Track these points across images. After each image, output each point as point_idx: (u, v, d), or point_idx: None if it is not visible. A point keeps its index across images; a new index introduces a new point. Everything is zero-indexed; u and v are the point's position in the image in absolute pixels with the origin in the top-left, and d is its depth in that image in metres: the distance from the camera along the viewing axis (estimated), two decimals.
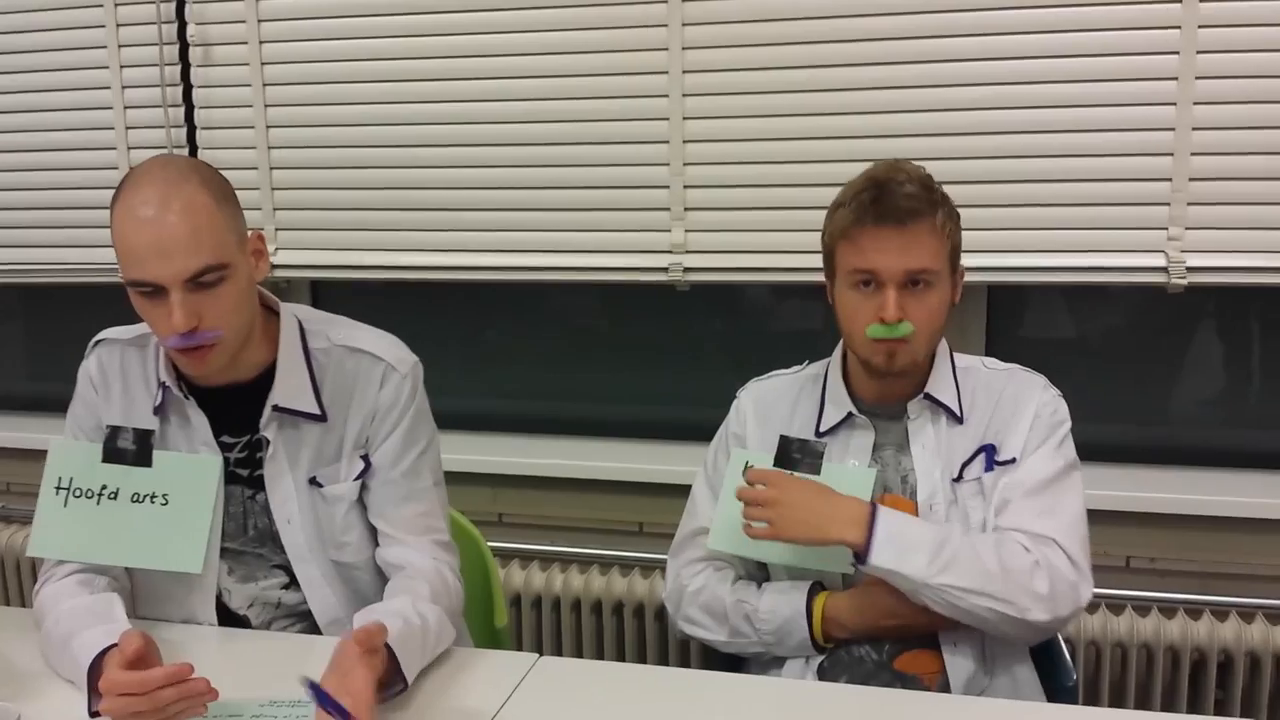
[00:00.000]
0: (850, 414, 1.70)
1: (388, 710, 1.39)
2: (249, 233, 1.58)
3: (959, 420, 1.67)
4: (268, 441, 1.62)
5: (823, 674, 1.65)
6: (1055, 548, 1.56)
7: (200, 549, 1.60)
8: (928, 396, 1.68)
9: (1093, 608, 2.24)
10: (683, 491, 2.34)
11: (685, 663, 2.39)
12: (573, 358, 2.72)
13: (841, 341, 1.74)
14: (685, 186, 2.34)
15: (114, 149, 2.62)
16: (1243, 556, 2.24)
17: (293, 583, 1.67)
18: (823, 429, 1.71)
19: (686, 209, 2.35)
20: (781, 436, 1.70)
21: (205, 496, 1.61)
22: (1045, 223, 2.19)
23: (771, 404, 1.77)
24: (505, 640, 1.95)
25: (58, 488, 1.62)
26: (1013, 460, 1.64)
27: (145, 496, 1.61)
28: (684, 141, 2.32)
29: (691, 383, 2.61)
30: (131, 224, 1.45)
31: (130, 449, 1.62)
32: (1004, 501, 1.62)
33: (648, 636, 2.42)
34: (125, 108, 2.61)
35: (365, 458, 1.66)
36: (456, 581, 1.66)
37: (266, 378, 1.62)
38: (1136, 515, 2.25)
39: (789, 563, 1.67)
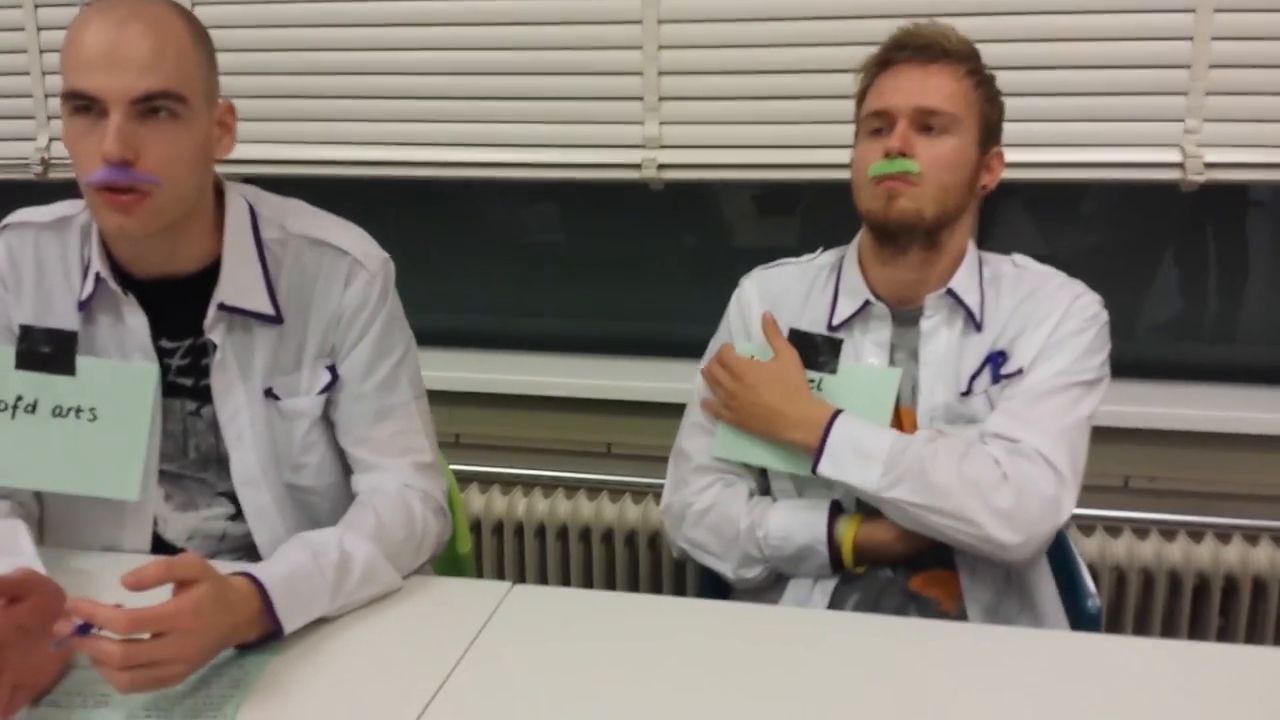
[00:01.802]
0: (867, 302, 1.54)
1: (347, 645, 1.24)
2: (220, 100, 1.37)
3: (977, 327, 1.51)
4: (214, 346, 1.41)
5: (832, 596, 1.51)
6: (1038, 459, 1.41)
7: (137, 472, 1.39)
8: (950, 293, 1.51)
9: (1089, 530, 2.14)
10: (653, 410, 2.27)
11: (659, 591, 2.25)
12: (533, 267, 2.57)
13: (860, 230, 1.58)
14: (660, 73, 2.15)
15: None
16: (1246, 476, 2.15)
17: (239, 513, 1.47)
18: (836, 321, 1.55)
19: (661, 99, 2.16)
20: (792, 331, 1.55)
21: (140, 410, 1.39)
22: (1051, 114, 2.03)
23: (779, 294, 1.61)
24: (468, 568, 1.79)
25: None
26: (1018, 372, 1.48)
27: (69, 410, 1.39)
28: (659, 21, 2.13)
29: (664, 295, 2.48)
30: (89, 25, 1.26)
31: (49, 353, 1.39)
32: (999, 408, 1.48)
33: (617, 564, 2.29)
34: (36, 5, 2.36)
35: (332, 369, 1.45)
36: (428, 512, 1.45)
37: (211, 272, 1.40)
38: (1134, 432, 2.14)
39: (798, 472, 1.52)
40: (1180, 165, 2.01)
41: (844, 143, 2.02)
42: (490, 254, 2.56)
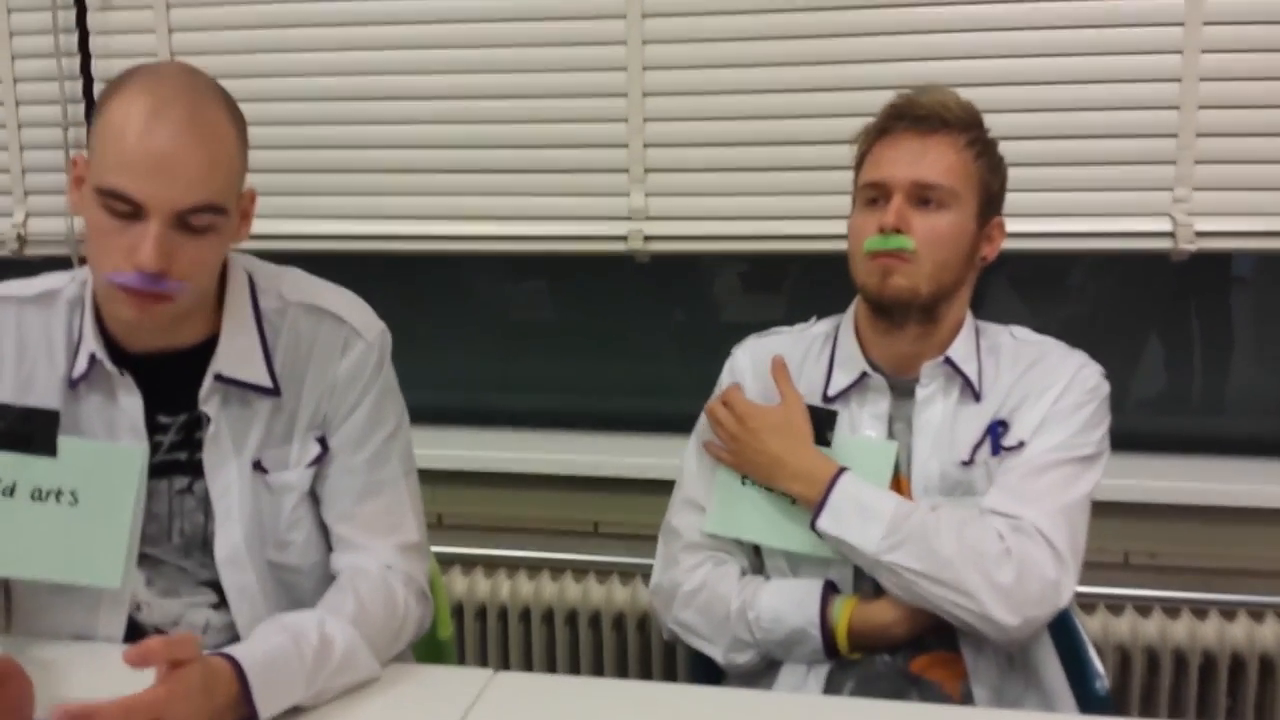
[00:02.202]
0: (864, 374, 1.50)
1: None
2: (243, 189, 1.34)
3: (975, 397, 1.47)
4: (208, 419, 1.35)
5: (826, 680, 1.44)
6: (1039, 539, 1.37)
7: (120, 558, 1.32)
8: (948, 362, 1.47)
9: (1090, 607, 2.08)
10: (641, 487, 2.20)
11: (648, 677, 2.17)
12: (518, 342, 2.52)
13: (855, 298, 1.55)
14: (645, 145, 2.13)
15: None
16: (1249, 550, 2.09)
17: (223, 602, 1.39)
18: (832, 392, 1.51)
19: (647, 170, 2.14)
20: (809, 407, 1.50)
21: (125, 493, 1.33)
22: (1039, 184, 2.01)
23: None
24: (450, 655, 1.72)
25: None
26: (1020, 445, 1.44)
27: (49, 493, 1.32)
28: (644, 95, 2.11)
29: (651, 370, 2.44)
30: (139, 125, 1.20)
31: (29, 433, 1.33)
32: (996, 483, 1.43)
33: (605, 648, 2.21)
34: (13, 57, 2.34)
35: (322, 440, 1.40)
36: (410, 596, 1.38)
37: (211, 344, 1.35)
38: (1132, 506, 2.09)
39: (792, 549, 1.48)
40: (1171, 235, 1.99)
41: (834, 214, 2.02)
42: (474, 329, 2.52)
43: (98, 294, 1.32)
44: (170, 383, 1.35)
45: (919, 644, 1.43)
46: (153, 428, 1.35)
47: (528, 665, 2.24)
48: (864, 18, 2.03)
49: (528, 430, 2.39)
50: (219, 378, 1.34)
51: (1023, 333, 1.54)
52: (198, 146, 1.22)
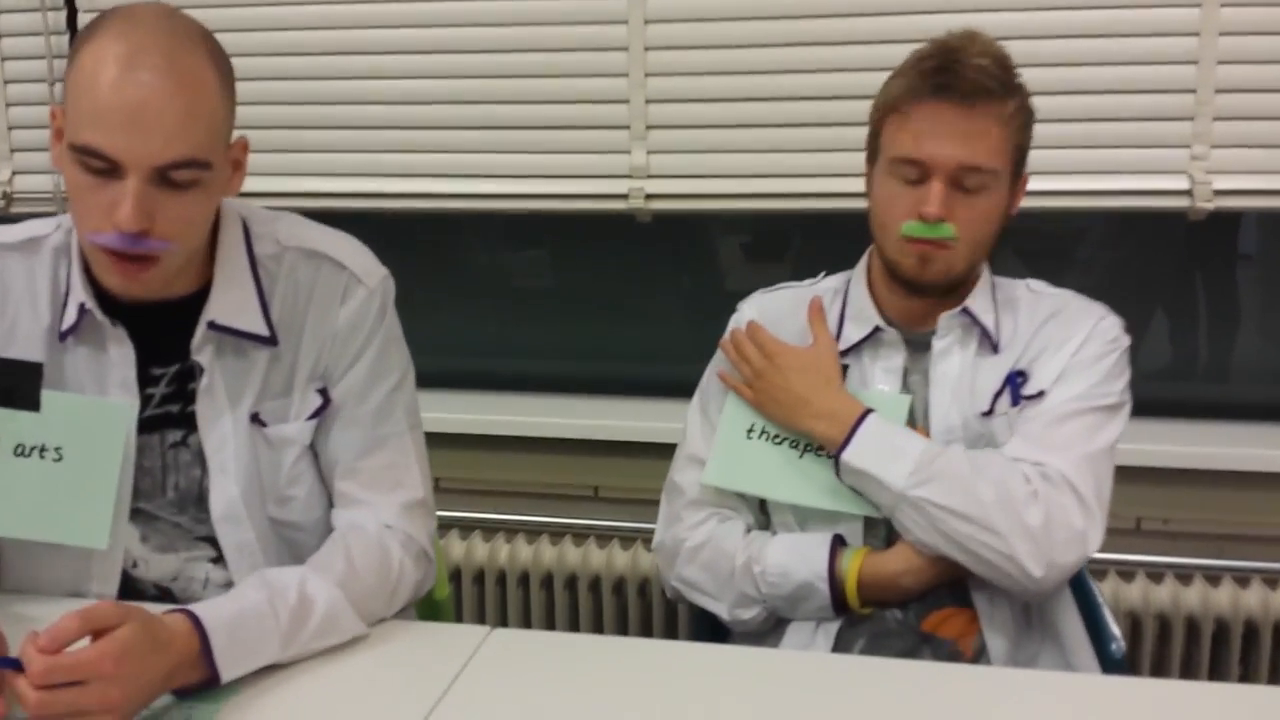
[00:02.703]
0: (877, 329, 1.46)
1: (310, 691, 1.14)
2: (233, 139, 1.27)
3: (993, 348, 1.43)
4: (202, 370, 1.29)
5: (836, 639, 1.40)
6: (1065, 486, 1.33)
7: (106, 518, 1.26)
8: (965, 312, 1.43)
9: (1101, 574, 2.04)
10: (642, 451, 2.16)
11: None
12: (516, 305, 2.48)
13: (867, 251, 1.51)
14: (647, 101, 2.08)
15: None
16: (1264, 516, 2.05)
17: (221, 557, 1.34)
18: (842, 347, 1.47)
19: (649, 127, 2.09)
20: None
21: (111, 450, 1.27)
22: (1053, 140, 1.94)
23: (780, 318, 1.52)
24: (447, 616, 1.68)
25: None
26: (1040, 394, 1.41)
27: (33, 449, 1.26)
28: (645, 49, 2.06)
29: (653, 333, 2.40)
30: (112, 74, 1.12)
31: (12, 387, 1.27)
32: (1018, 431, 1.40)
33: (605, 613, 2.17)
34: None
35: (323, 392, 1.34)
36: (406, 557, 1.32)
37: (205, 293, 1.30)
38: (1145, 471, 2.04)
39: (797, 501, 1.44)
40: (1189, 193, 1.94)
41: (843, 171, 1.97)
42: (472, 291, 2.48)
43: (84, 251, 1.27)
44: (162, 332, 1.29)
45: (931, 600, 1.39)
46: (144, 380, 1.30)
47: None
48: None
49: (527, 394, 2.34)
50: (212, 326, 1.29)
51: (1039, 285, 1.50)
52: (175, 96, 1.14)
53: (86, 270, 1.29)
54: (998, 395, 1.41)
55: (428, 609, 1.61)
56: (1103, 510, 1.36)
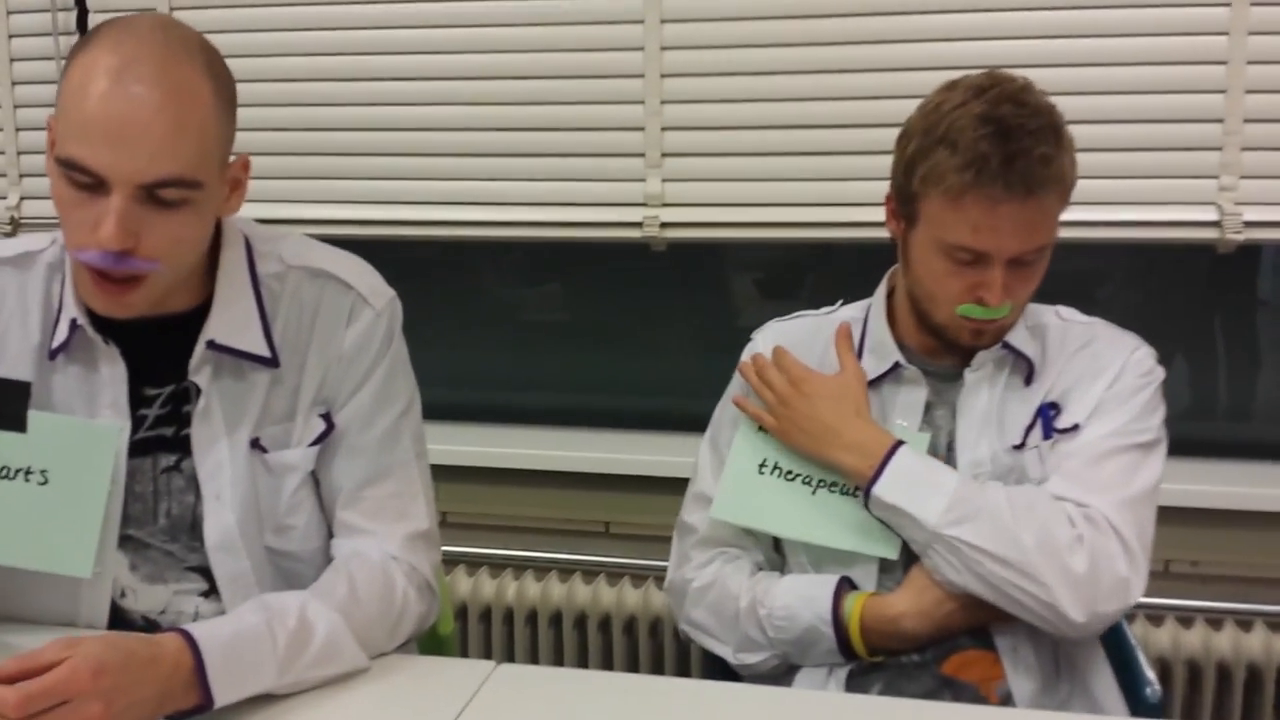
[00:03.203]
0: (897, 365, 1.41)
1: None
2: (233, 157, 1.22)
3: (1026, 380, 1.38)
4: (198, 392, 1.25)
5: (850, 683, 1.34)
6: (1107, 527, 1.27)
7: (91, 546, 1.21)
8: (1006, 346, 1.38)
9: (1130, 618, 1.94)
10: (655, 486, 2.11)
11: None
12: (527, 337, 2.45)
13: (885, 279, 1.46)
14: (663, 129, 2.05)
15: None
16: None
17: (213, 589, 1.29)
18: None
19: (664, 155, 2.06)
20: None
21: (99, 474, 1.22)
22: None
23: (795, 347, 1.47)
24: (451, 653, 1.62)
25: None
26: (1074, 427, 1.35)
27: (17, 472, 1.22)
28: (661, 76, 2.03)
29: (666, 365, 2.36)
30: (101, 87, 1.08)
31: None
32: (1056, 468, 1.34)
33: (615, 653, 2.12)
34: (10, 36, 2.27)
35: (326, 417, 1.29)
36: (410, 588, 1.27)
37: (203, 310, 1.25)
38: (1174, 511, 1.96)
39: (809, 540, 1.38)
40: (1217, 224, 1.90)
41: (862, 200, 1.93)
42: (482, 322, 2.45)
43: (75, 281, 1.22)
44: (158, 351, 1.25)
45: (950, 642, 1.32)
46: (137, 400, 1.25)
47: None
48: None
49: (538, 427, 2.30)
50: (211, 345, 1.24)
51: (1069, 313, 1.45)
52: (163, 109, 1.09)
53: (79, 286, 1.24)
54: (1029, 428, 1.36)
55: (432, 645, 1.55)
56: (1146, 556, 1.30)
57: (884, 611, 1.31)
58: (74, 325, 1.23)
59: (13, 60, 2.26)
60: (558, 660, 2.14)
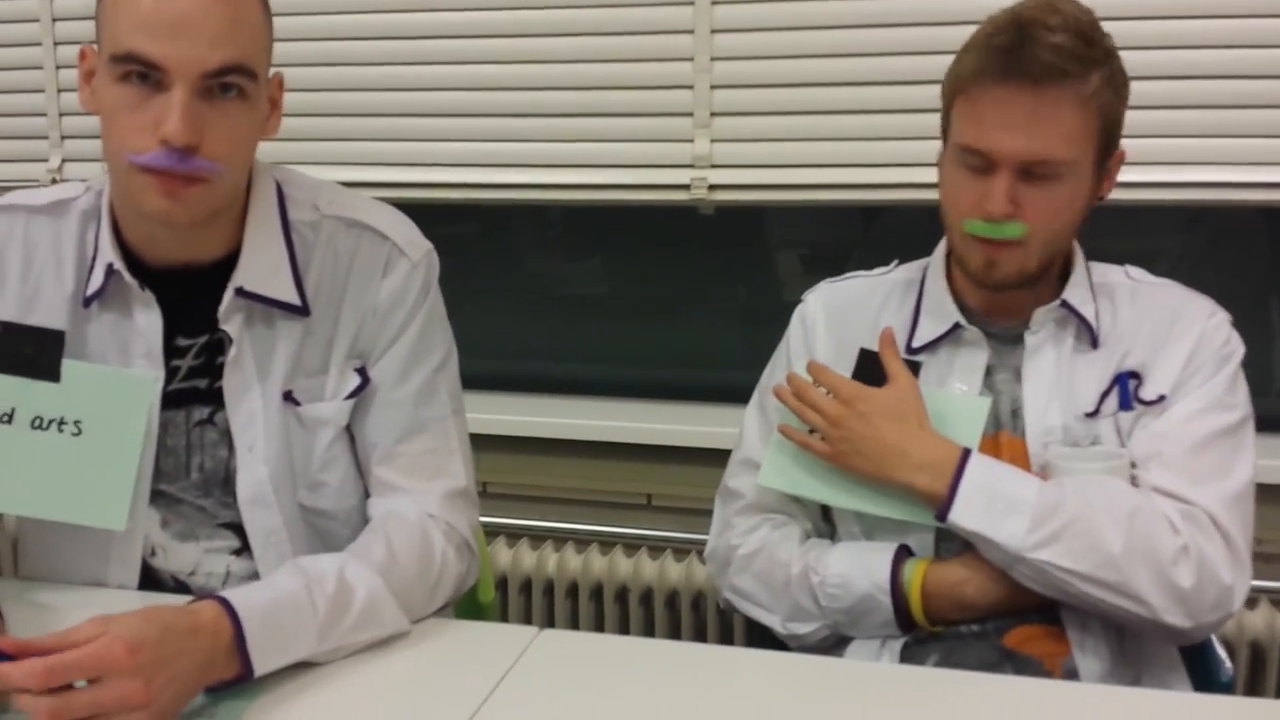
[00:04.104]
0: (957, 325, 1.34)
1: (348, 690, 1.06)
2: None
3: (1092, 343, 1.31)
4: (229, 340, 1.22)
5: (904, 654, 1.29)
6: (1212, 529, 1.20)
7: (125, 497, 1.20)
8: (1065, 305, 1.32)
9: None
10: (698, 457, 2.07)
11: None
12: (568, 305, 2.41)
13: (944, 239, 1.39)
14: (712, 87, 1.98)
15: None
16: None
17: (245, 548, 1.26)
18: (916, 344, 1.35)
19: (713, 114, 1.99)
20: (862, 350, 1.35)
21: (134, 424, 1.20)
22: (1159, 129, 1.83)
23: (848, 310, 1.42)
24: (491, 619, 1.60)
25: None
26: (1160, 399, 1.28)
27: (51, 422, 1.20)
28: (711, 31, 1.96)
29: (709, 334, 2.30)
30: None
31: (31, 355, 1.20)
32: (1153, 453, 1.26)
33: (657, 626, 2.08)
34: (54, 19, 2.26)
35: (362, 371, 1.26)
36: (449, 548, 1.24)
37: (234, 259, 1.23)
38: None
39: (862, 508, 1.32)
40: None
41: (918, 160, 1.86)
42: (522, 291, 2.41)
43: (118, 191, 1.20)
44: (190, 300, 1.22)
45: (1011, 614, 1.26)
46: (170, 351, 1.23)
47: None
48: None
49: (579, 397, 2.26)
50: (241, 292, 1.21)
51: (1139, 273, 1.38)
52: (218, 1, 1.10)
53: (116, 231, 1.22)
54: (1104, 396, 1.29)
55: (472, 613, 1.52)
56: (1249, 555, 1.23)
57: (947, 577, 1.26)
58: (110, 271, 1.20)
59: (55, 20, 2.24)
60: (598, 633, 2.10)
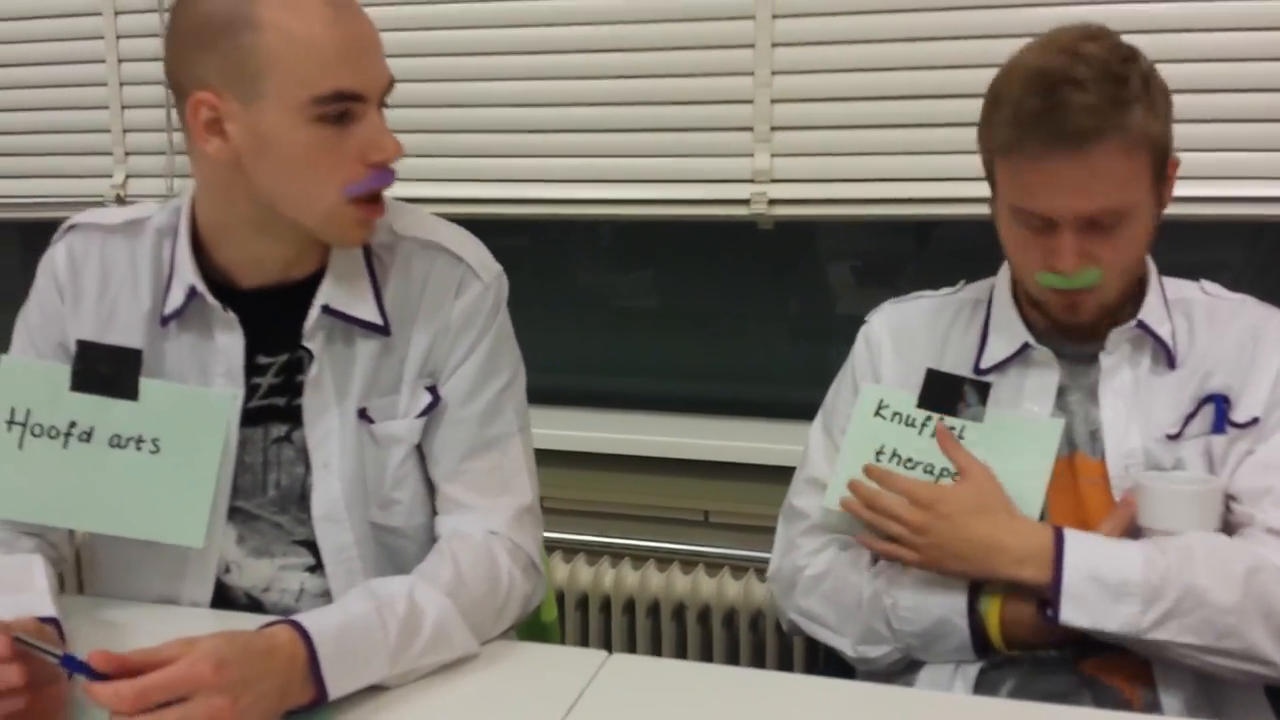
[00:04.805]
0: (1026, 345, 1.32)
1: (438, 710, 1.07)
2: None
3: (1170, 363, 1.28)
4: (310, 358, 1.23)
5: (979, 680, 1.26)
6: None
7: (203, 515, 1.21)
8: (1141, 325, 1.29)
9: None
10: (756, 474, 2.05)
11: None
12: (624, 319, 2.40)
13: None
14: (773, 101, 1.97)
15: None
16: None
17: (319, 565, 1.27)
18: (985, 364, 1.33)
19: (773, 129, 1.98)
20: (930, 371, 1.32)
21: (211, 443, 1.21)
22: (1206, 143, 1.80)
23: (914, 331, 1.40)
24: (553, 639, 1.59)
25: (9, 422, 1.20)
26: (1254, 421, 1.25)
27: (129, 440, 1.21)
28: (772, 45, 1.95)
29: (768, 349, 2.28)
30: (325, 14, 1.12)
31: (109, 374, 1.21)
32: (1264, 489, 1.22)
33: (715, 645, 2.05)
34: (116, 13, 2.27)
35: (432, 389, 1.27)
36: (515, 568, 1.24)
37: (315, 279, 1.24)
38: None
39: None
40: None
41: (976, 175, 1.81)
42: (578, 304, 2.40)
43: (313, 222, 1.19)
44: (272, 319, 1.23)
45: (1091, 641, 1.23)
46: (250, 369, 1.24)
47: None
48: None
49: (635, 412, 2.25)
50: (326, 310, 1.22)
51: (1214, 288, 1.35)
52: (367, 20, 1.17)
53: (197, 253, 1.23)
54: (1189, 418, 1.26)
55: (534, 632, 1.51)
56: None
57: (1029, 602, 1.23)
58: (192, 292, 1.21)
59: (119, 38, 2.26)
60: (655, 650, 2.08)
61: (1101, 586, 1.16)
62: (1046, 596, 1.19)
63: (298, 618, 1.03)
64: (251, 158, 1.14)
